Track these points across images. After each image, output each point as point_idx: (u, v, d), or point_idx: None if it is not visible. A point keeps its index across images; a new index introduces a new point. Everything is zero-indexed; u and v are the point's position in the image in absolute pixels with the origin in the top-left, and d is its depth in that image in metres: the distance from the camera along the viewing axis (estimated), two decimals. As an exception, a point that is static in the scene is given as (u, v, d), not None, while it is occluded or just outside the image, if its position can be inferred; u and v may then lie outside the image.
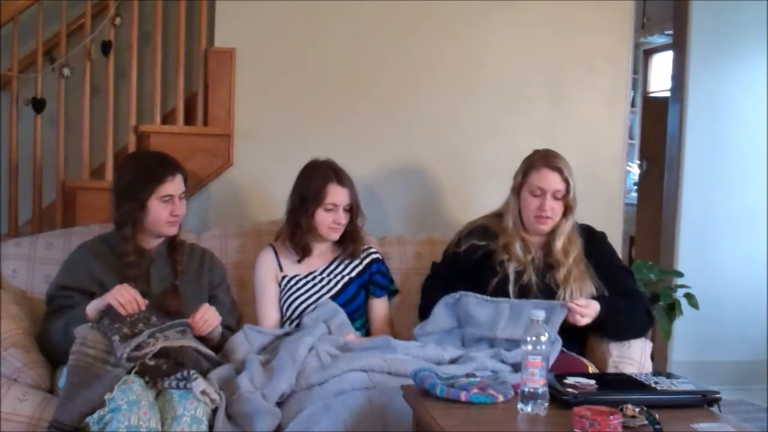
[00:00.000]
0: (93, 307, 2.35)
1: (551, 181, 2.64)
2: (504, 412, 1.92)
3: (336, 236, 2.75)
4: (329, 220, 2.70)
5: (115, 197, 2.56)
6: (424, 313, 2.70)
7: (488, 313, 2.55)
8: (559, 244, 2.65)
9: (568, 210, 2.67)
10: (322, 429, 2.10)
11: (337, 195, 2.70)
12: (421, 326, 2.64)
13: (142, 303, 2.33)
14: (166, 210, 2.51)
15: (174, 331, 2.31)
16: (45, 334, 2.44)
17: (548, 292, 2.60)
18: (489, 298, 2.58)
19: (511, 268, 2.63)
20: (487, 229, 2.73)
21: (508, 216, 2.72)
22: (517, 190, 2.72)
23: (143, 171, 2.54)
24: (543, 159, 2.68)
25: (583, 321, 2.49)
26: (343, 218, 2.72)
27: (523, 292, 2.61)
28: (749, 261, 4.38)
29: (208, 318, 2.43)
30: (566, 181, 2.64)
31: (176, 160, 2.59)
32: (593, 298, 2.60)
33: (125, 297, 2.31)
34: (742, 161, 4.38)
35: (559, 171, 2.64)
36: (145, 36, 3.28)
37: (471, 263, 2.70)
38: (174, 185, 2.52)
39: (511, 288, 2.61)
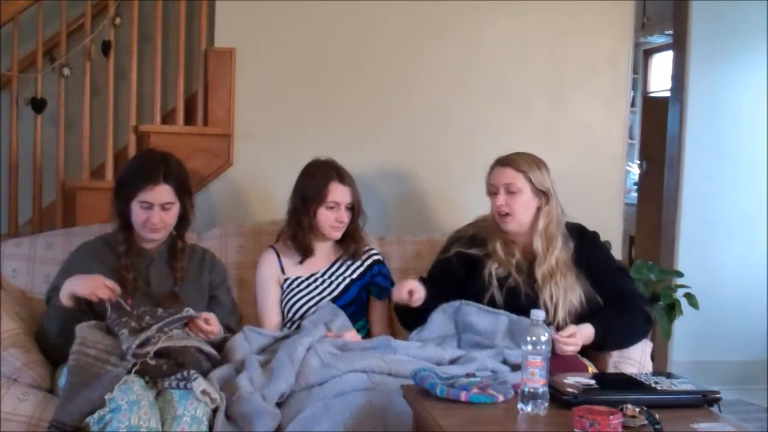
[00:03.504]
0: (64, 292, 2.33)
1: (501, 176, 2.63)
2: (504, 412, 1.92)
3: (338, 235, 2.75)
4: (331, 219, 2.71)
5: (112, 192, 2.58)
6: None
7: (487, 323, 2.53)
8: (538, 243, 2.61)
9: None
10: (321, 430, 2.10)
11: (338, 193, 2.70)
12: (416, 333, 2.62)
13: (114, 287, 2.32)
14: (142, 216, 2.48)
15: (179, 331, 2.31)
16: (40, 332, 2.45)
17: (537, 301, 2.55)
18: (489, 308, 2.56)
19: (494, 274, 2.59)
20: (475, 237, 2.71)
21: (489, 218, 2.71)
22: (487, 192, 2.71)
23: (133, 171, 2.55)
24: (498, 158, 2.69)
25: (569, 350, 2.44)
26: (345, 216, 2.72)
27: (511, 295, 2.57)
28: (749, 261, 4.38)
29: (211, 327, 2.40)
30: (522, 173, 2.60)
31: (172, 169, 2.52)
32: (588, 313, 2.56)
33: (94, 285, 2.29)
34: (741, 161, 4.38)
35: (510, 164, 2.63)
36: (145, 36, 3.27)
37: (461, 271, 2.67)
38: (154, 194, 2.47)
39: (497, 296, 2.58)
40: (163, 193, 2.48)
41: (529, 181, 2.62)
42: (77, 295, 2.32)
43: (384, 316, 2.83)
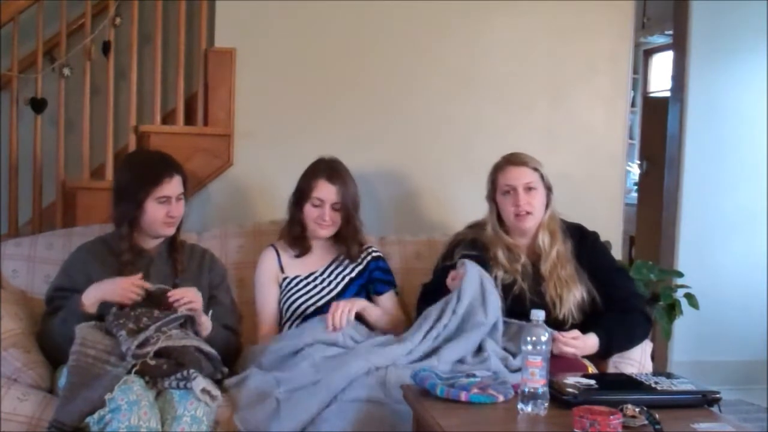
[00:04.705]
0: (91, 300, 2.35)
1: (519, 175, 2.63)
2: (504, 412, 1.92)
3: (324, 233, 2.74)
4: (314, 215, 2.71)
5: (113, 196, 2.58)
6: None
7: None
8: (543, 238, 2.63)
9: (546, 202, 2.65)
10: (323, 430, 2.11)
11: (323, 191, 2.71)
12: None
13: (142, 282, 2.36)
14: (162, 211, 2.50)
15: (178, 330, 2.31)
16: (45, 332, 2.45)
17: (542, 303, 2.53)
18: (509, 320, 2.53)
19: (499, 281, 2.59)
20: (476, 241, 2.70)
21: (487, 225, 2.70)
22: (491, 197, 2.71)
23: (141, 171, 2.54)
24: (505, 159, 2.70)
25: (567, 351, 2.44)
26: (328, 215, 2.71)
27: (515, 302, 2.57)
28: (749, 261, 4.38)
29: (186, 296, 2.39)
30: (535, 170, 2.63)
31: (175, 161, 2.59)
32: (591, 321, 2.56)
33: (124, 288, 2.34)
34: (741, 161, 4.38)
35: (524, 164, 2.65)
36: (145, 36, 3.27)
37: None
38: (171, 187, 2.51)
39: (502, 304, 2.56)
40: (177, 184, 2.54)
41: (542, 177, 2.65)
42: (107, 301, 2.34)
43: (386, 311, 2.79)
